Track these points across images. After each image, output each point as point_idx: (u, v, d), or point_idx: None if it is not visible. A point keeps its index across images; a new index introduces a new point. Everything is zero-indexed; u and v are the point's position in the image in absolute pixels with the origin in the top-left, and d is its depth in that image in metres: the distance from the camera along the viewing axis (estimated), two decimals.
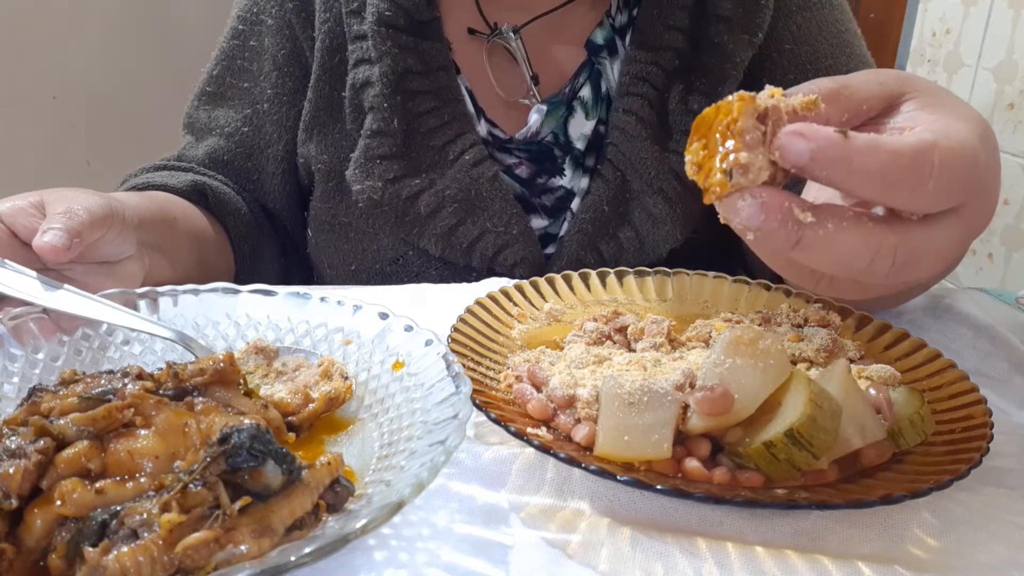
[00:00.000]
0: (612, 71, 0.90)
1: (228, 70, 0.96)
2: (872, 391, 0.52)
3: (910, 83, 0.48)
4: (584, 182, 0.89)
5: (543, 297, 0.70)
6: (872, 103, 0.48)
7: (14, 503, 0.38)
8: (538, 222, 0.89)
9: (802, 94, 0.45)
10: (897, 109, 0.48)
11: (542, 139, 0.89)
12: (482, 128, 0.89)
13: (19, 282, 0.56)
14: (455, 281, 0.87)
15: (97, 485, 0.39)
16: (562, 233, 0.88)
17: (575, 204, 0.89)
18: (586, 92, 0.90)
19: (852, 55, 0.92)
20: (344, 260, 0.92)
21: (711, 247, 0.92)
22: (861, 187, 0.42)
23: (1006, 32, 1.43)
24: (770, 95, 0.44)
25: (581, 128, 0.90)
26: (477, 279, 0.86)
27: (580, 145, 0.89)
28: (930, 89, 0.48)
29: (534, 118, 0.88)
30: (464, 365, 0.54)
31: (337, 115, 0.90)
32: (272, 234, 0.98)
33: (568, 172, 0.89)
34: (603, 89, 0.90)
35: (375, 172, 0.86)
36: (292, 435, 0.51)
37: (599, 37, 0.91)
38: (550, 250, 0.89)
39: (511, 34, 0.89)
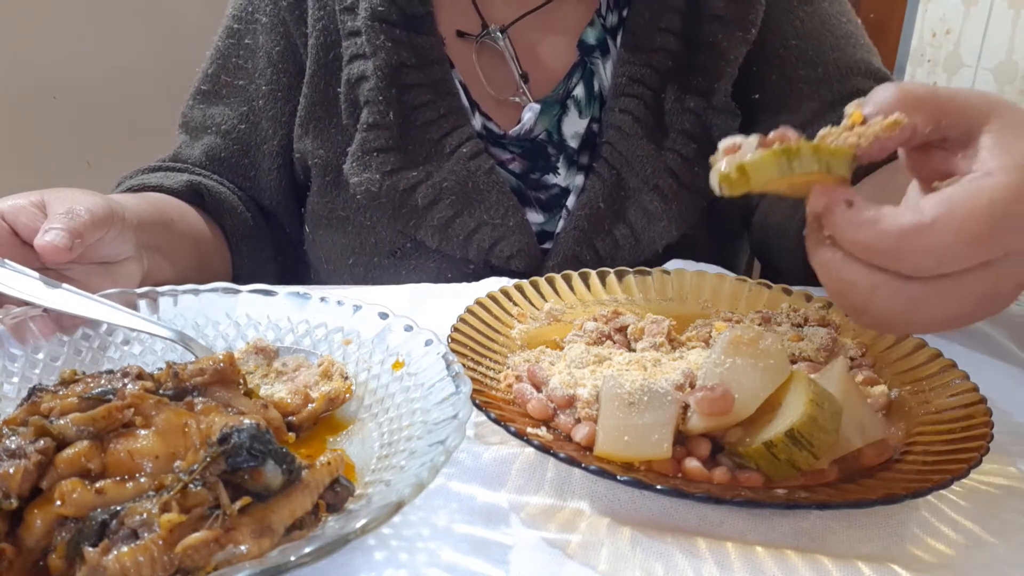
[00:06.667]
0: (605, 71, 0.91)
1: (223, 68, 0.96)
2: None
3: (996, 110, 0.47)
4: (579, 179, 0.90)
5: (543, 297, 0.70)
6: (953, 118, 0.47)
7: (14, 503, 0.38)
8: (534, 217, 0.90)
9: (882, 115, 0.46)
10: (976, 141, 0.46)
11: (535, 137, 0.90)
12: (477, 122, 0.90)
13: (19, 282, 0.56)
14: (452, 273, 0.87)
15: (97, 485, 0.39)
16: (558, 230, 0.89)
17: (571, 201, 0.89)
18: (580, 91, 0.90)
19: (857, 45, 0.92)
20: (342, 254, 0.93)
21: (706, 244, 0.93)
22: (852, 250, 0.45)
23: (1006, 32, 1.43)
24: (850, 124, 0.46)
25: (575, 127, 0.90)
26: (474, 271, 0.86)
27: (574, 144, 0.90)
28: (1013, 121, 0.46)
29: (527, 116, 0.89)
30: (464, 365, 0.54)
31: (333, 110, 0.90)
32: (269, 233, 0.98)
33: (562, 170, 0.90)
34: (596, 88, 0.91)
35: (372, 165, 0.86)
36: (292, 435, 0.51)
37: (591, 37, 0.91)
38: (547, 246, 0.89)
39: (499, 34, 0.90)
